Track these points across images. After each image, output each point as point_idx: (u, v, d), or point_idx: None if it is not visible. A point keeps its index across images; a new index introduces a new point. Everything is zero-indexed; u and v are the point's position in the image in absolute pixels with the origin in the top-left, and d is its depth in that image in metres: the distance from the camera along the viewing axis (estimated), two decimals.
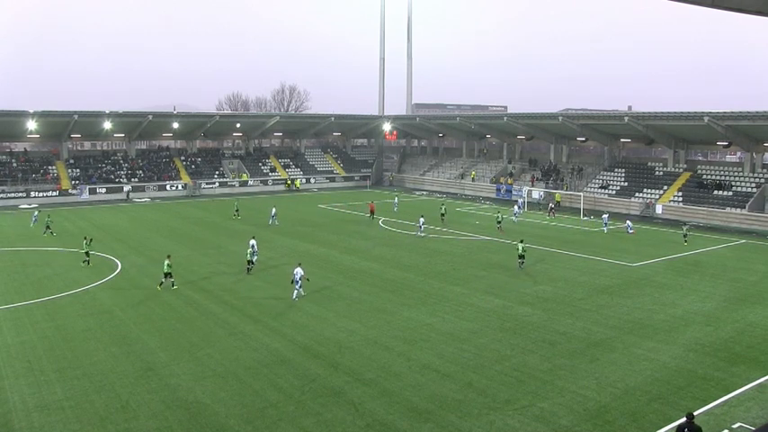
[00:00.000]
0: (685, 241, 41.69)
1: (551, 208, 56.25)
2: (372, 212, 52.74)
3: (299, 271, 27.37)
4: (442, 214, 51.58)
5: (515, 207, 55.07)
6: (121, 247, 38.86)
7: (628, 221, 48.43)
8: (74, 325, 23.62)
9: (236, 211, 52.86)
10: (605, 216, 48.84)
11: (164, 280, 28.91)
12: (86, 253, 34.09)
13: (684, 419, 13.53)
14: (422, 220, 45.15)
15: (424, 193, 74.89)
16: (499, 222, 47.01)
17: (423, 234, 44.06)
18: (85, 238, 35.12)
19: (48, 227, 44.10)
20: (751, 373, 19.20)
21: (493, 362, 20.03)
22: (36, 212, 50.37)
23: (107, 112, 68.24)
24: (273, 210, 50.42)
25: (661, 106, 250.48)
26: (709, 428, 15.65)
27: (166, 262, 29.01)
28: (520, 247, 34.03)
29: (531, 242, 38.46)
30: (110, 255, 36.44)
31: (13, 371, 19.17)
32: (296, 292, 27.38)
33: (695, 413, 16.28)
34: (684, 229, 43.71)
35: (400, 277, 31.54)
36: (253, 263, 32.78)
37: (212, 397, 17.31)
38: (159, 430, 15.49)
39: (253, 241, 34.53)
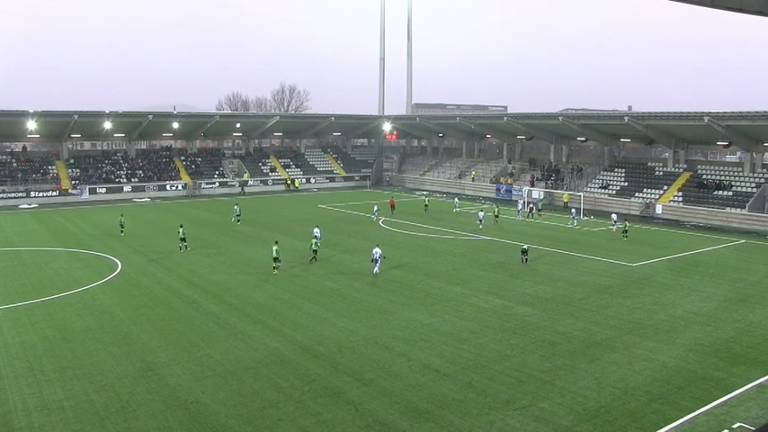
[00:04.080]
0: (624, 236, 42.87)
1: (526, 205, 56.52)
2: (393, 208, 55.37)
3: (377, 251, 31.42)
4: (426, 205, 57.59)
5: (519, 205, 56.18)
6: (121, 247, 38.85)
7: (613, 215, 48.85)
8: (74, 325, 23.64)
9: (238, 215, 49.52)
10: (573, 211, 51.31)
11: (275, 264, 31.41)
12: (182, 239, 36.84)
13: None
14: (481, 214, 47.89)
15: (425, 192, 74.86)
16: (497, 216, 49.89)
17: (482, 228, 46.44)
18: (181, 226, 38.16)
19: (122, 225, 43.65)
20: (751, 373, 19.21)
21: (493, 362, 20.04)
22: (236, 206, 51.18)
23: (107, 112, 68.25)
24: (376, 206, 53.27)
25: (661, 106, 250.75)
26: (710, 428, 15.68)
27: (275, 248, 31.48)
28: (525, 245, 35.72)
29: (530, 242, 38.62)
30: (110, 255, 36.45)
31: (13, 371, 19.19)
32: (375, 268, 31.17)
33: (695, 413, 16.40)
34: (626, 224, 44.36)
35: (400, 277, 31.55)
36: (315, 252, 34.43)
37: (212, 397, 17.32)
38: (159, 430, 15.50)
39: (316, 230, 36.62)
